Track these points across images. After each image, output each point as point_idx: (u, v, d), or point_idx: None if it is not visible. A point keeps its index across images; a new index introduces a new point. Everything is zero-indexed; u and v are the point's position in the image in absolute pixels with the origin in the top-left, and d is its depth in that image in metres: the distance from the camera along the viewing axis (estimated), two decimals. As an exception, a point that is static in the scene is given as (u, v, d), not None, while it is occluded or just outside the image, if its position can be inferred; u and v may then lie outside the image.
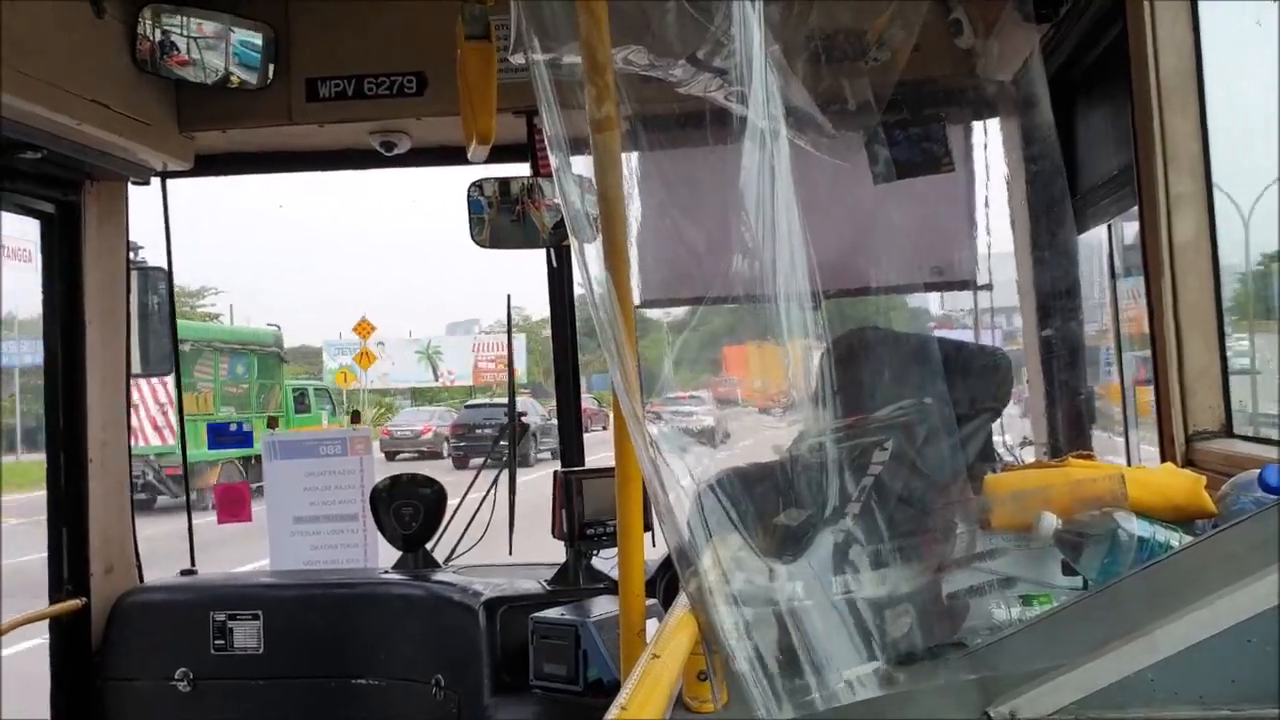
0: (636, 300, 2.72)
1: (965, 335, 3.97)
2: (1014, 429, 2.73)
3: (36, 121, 3.42)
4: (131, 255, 4.34)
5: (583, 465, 4.29)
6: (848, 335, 2.14)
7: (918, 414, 1.90)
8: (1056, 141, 2.61)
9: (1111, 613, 1.57)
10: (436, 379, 49.40)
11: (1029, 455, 2.77)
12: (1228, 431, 2.56)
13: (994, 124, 3.56)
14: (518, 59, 1.79)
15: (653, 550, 2.48)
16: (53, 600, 4.00)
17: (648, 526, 2.09)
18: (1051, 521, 1.88)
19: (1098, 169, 3.29)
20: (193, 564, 4.43)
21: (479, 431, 29.07)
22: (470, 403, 36.17)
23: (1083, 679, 1.49)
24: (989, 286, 3.61)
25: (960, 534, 1.90)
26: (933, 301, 3.88)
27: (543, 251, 4.19)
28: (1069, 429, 3.05)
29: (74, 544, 4.03)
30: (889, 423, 1.89)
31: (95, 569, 4.05)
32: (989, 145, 3.57)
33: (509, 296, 5.05)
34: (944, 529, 1.89)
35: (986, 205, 3.53)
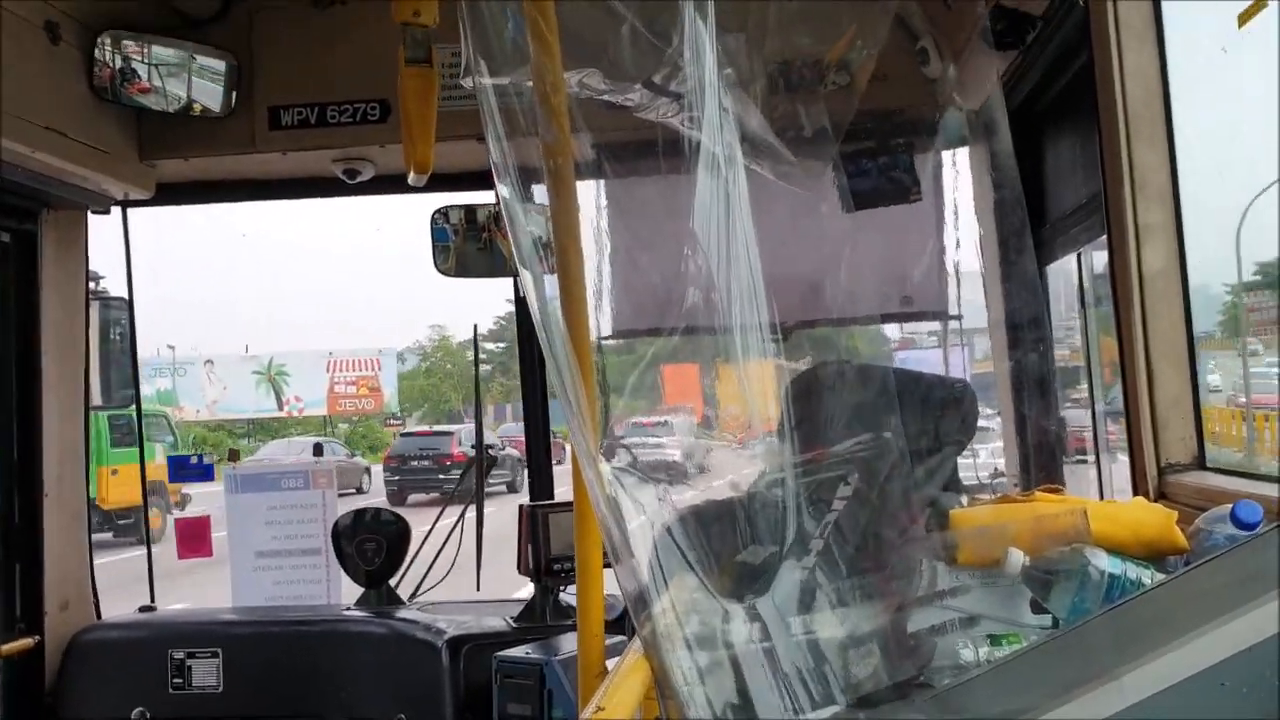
0: (605, 331, 2.68)
1: (928, 356, 3.92)
2: (987, 462, 2.70)
3: None
4: (92, 285, 4.27)
5: (550, 499, 4.23)
6: (808, 371, 2.09)
7: (878, 449, 1.85)
8: (1016, 171, 2.59)
9: (1079, 654, 1.52)
10: (280, 407, 40.19)
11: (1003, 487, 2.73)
12: (1200, 464, 2.53)
13: (963, 154, 3.54)
14: (468, 83, 1.74)
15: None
16: (4, 639, 3.89)
17: (609, 564, 2.03)
18: (1019, 558, 1.83)
19: (1066, 198, 3.27)
20: (152, 600, 4.34)
21: (415, 464, 27.07)
22: (405, 431, 33.75)
23: (1055, 724, 1.43)
24: (959, 317, 3.58)
25: (923, 570, 1.85)
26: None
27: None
28: (1039, 461, 3.01)
29: (27, 580, 3.93)
30: (848, 457, 1.84)
31: (50, 606, 3.96)
32: (959, 174, 3.55)
33: (475, 326, 4.99)
34: (907, 565, 1.84)
35: (956, 235, 3.51)
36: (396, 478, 26.85)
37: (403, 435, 31.74)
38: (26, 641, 3.89)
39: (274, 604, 4.36)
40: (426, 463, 26.75)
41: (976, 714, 1.57)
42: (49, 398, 3.97)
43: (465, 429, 28.18)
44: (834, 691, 1.70)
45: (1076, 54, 2.89)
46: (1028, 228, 2.53)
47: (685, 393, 2.04)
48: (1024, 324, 2.84)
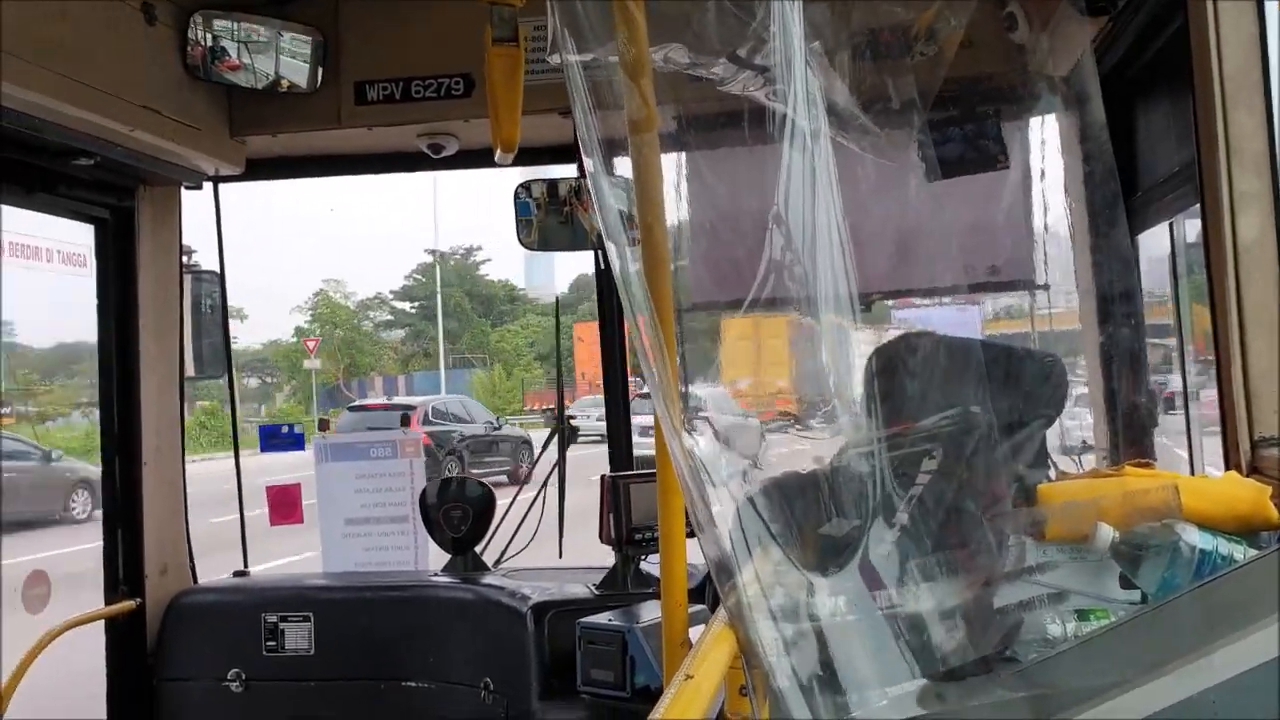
0: (687, 303, 2.68)
1: (929, 315, 3.83)
2: (1073, 435, 2.65)
3: (90, 129, 3.46)
4: (185, 259, 4.38)
5: (631, 470, 4.26)
6: (892, 342, 2.08)
7: (965, 423, 1.84)
8: (1108, 141, 2.53)
9: (1171, 630, 1.51)
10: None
11: (1090, 462, 2.69)
12: None
13: (1051, 120, 3.47)
14: (554, 60, 1.76)
15: (701, 555, 2.44)
16: (108, 601, 4.05)
17: (691, 533, 2.05)
18: (1108, 533, 1.81)
19: (1158, 166, 3.19)
20: (245, 565, 4.47)
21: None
22: (354, 405, 30.02)
23: (1141, 700, 1.42)
24: (1046, 286, 3.52)
25: (1011, 546, 1.84)
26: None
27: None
28: (1129, 436, 2.96)
29: (129, 545, 4.07)
30: (935, 432, 1.83)
31: (150, 570, 4.10)
32: (1046, 142, 3.48)
33: (558, 299, 5.02)
34: (994, 540, 1.83)
35: (1044, 204, 3.45)
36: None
37: (351, 409, 26.78)
38: (129, 604, 4.03)
39: (363, 570, 4.46)
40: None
41: (1063, 689, 1.57)
42: (146, 370, 4.09)
43: (433, 401, 25.96)
44: (919, 665, 1.70)
45: (1170, 18, 2.81)
46: (1120, 198, 2.48)
47: (767, 365, 2.04)
48: (1116, 295, 2.79)
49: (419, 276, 56.50)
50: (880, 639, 1.69)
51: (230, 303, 4.54)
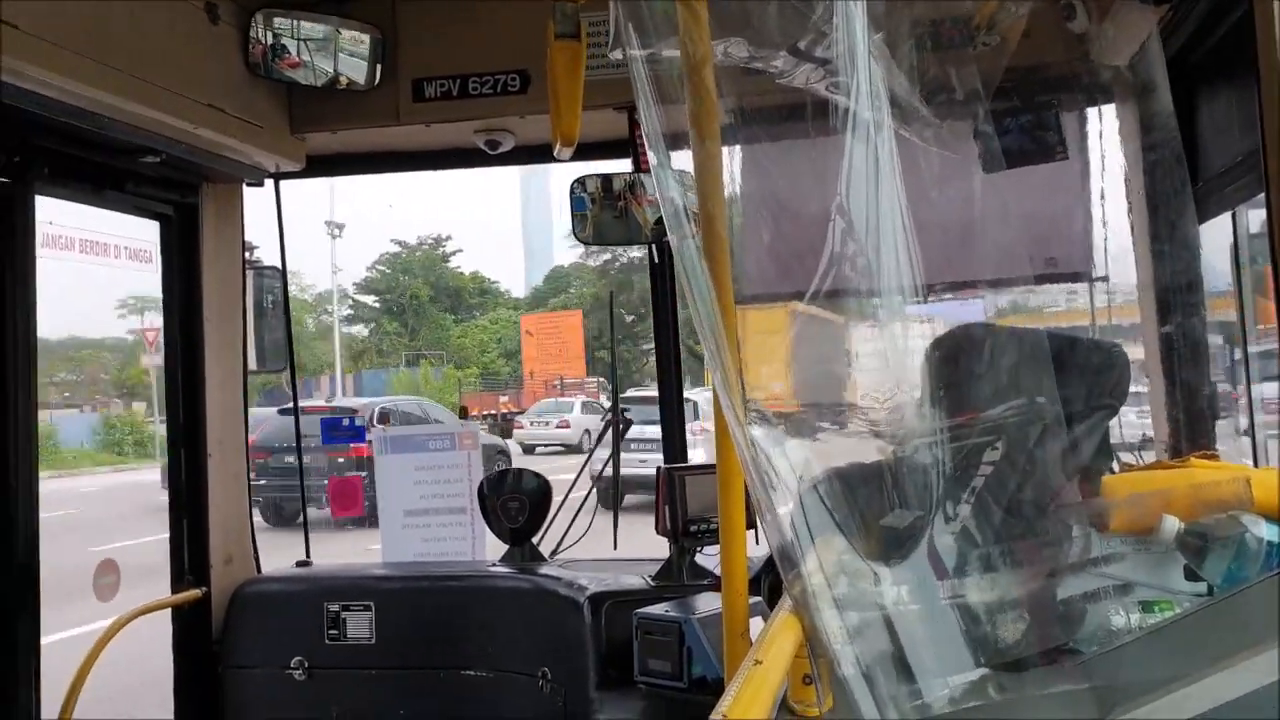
0: (748, 294, 2.69)
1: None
2: (1134, 427, 2.63)
3: (156, 127, 3.54)
4: (247, 255, 4.46)
5: (685, 462, 4.28)
6: (953, 332, 2.08)
7: (1030, 413, 1.84)
8: (1176, 129, 2.50)
9: (1238, 622, 1.50)
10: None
11: (1150, 454, 2.67)
12: None
13: (1110, 110, 3.43)
14: (616, 55, 1.78)
15: (756, 548, 2.45)
16: (174, 590, 4.14)
17: (751, 524, 2.06)
18: (1174, 524, 1.80)
19: (1220, 155, 3.15)
20: (308, 556, 4.55)
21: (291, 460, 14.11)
22: (285, 408, 17.70)
23: (1205, 693, 1.42)
24: (1105, 279, 3.48)
25: (1075, 537, 1.84)
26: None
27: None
28: (1192, 428, 2.93)
29: (194, 535, 4.16)
30: (999, 423, 1.83)
31: (215, 560, 4.18)
32: (1104, 132, 3.45)
33: (613, 293, 5.05)
34: (1058, 532, 1.82)
35: (1103, 195, 3.41)
36: (264, 480, 16.42)
37: (281, 412, 18.96)
38: (194, 593, 4.12)
39: (422, 560, 4.53)
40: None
41: (1126, 681, 1.57)
42: (211, 364, 4.17)
43: (382, 403, 22.10)
44: (981, 655, 1.71)
45: (1234, 5, 2.77)
46: (1188, 187, 2.45)
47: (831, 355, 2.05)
48: (1180, 286, 2.76)
49: (383, 268, 54.07)
50: (943, 628, 1.70)
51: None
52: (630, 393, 22.16)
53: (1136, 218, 3.16)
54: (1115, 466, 2.08)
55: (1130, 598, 1.83)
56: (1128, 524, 1.85)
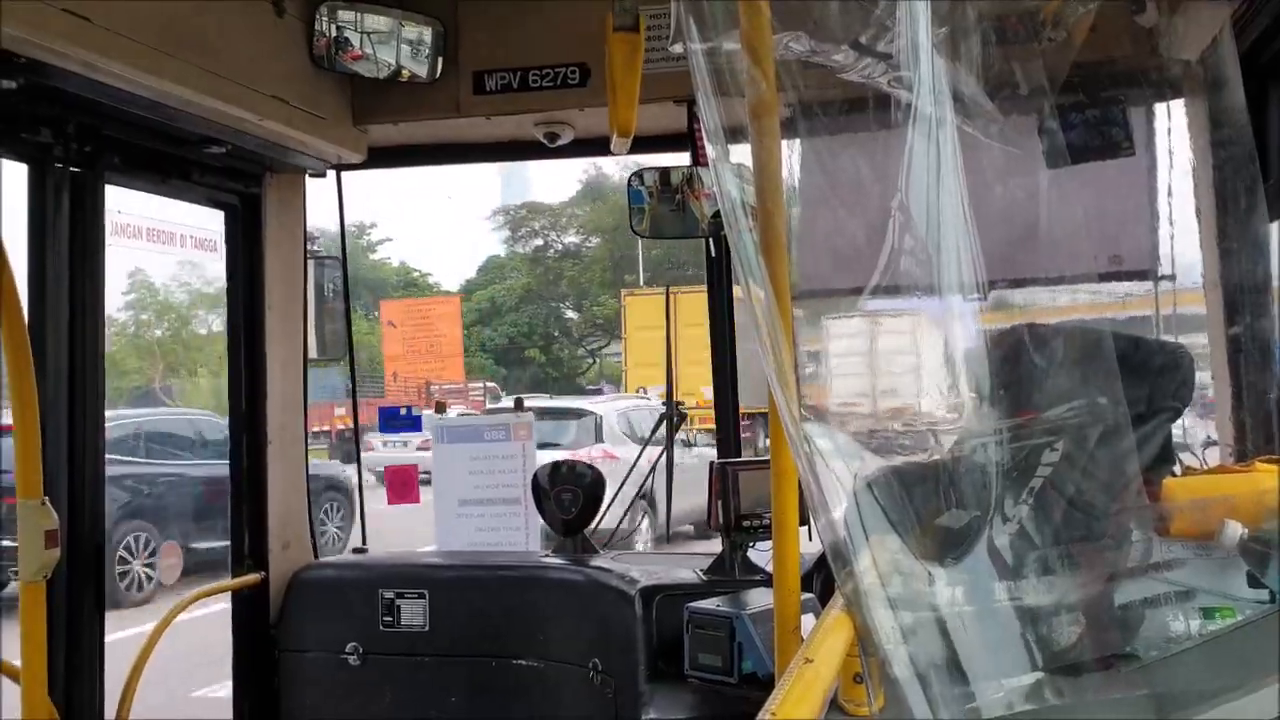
0: (805, 290, 2.68)
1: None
2: (1197, 430, 2.58)
3: (222, 118, 3.60)
4: (309, 245, 4.52)
5: (739, 456, 4.27)
6: (1014, 330, 2.05)
7: (1090, 414, 1.81)
8: (1248, 125, 2.44)
9: (1302, 631, 1.47)
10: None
11: (1213, 458, 2.61)
12: None
13: (1178, 106, 3.37)
14: (677, 49, 1.78)
15: (809, 544, 2.44)
16: (234, 574, 4.21)
17: (804, 521, 2.05)
18: (1236, 530, 1.77)
19: (1294, 153, 3.08)
20: (364, 543, 4.61)
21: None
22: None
23: (1265, 702, 1.39)
24: (1171, 277, 3.42)
25: (1135, 541, 1.81)
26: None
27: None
28: (1258, 432, 2.86)
29: (254, 521, 4.23)
30: (1059, 423, 1.80)
31: (273, 545, 4.25)
32: (1173, 128, 3.38)
33: (668, 287, 5.06)
34: (1117, 535, 1.80)
35: (1169, 192, 3.35)
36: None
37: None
38: (253, 578, 4.19)
39: (476, 549, 4.56)
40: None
41: (1184, 688, 1.54)
42: (272, 352, 4.23)
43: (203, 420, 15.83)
44: (1037, 658, 1.69)
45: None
46: (1260, 184, 2.40)
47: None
48: (1249, 286, 2.70)
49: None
50: (999, 631, 1.68)
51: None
52: (541, 402, 19.57)
53: (1204, 215, 3.10)
54: (1177, 469, 2.04)
55: (1191, 604, 1.80)
56: (1189, 528, 1.82)
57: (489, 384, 33.92)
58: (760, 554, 3.90)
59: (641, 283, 33.55)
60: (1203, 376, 3.17)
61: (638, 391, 22.83)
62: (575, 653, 3.91)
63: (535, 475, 4.39)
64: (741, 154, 1.85)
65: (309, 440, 4.49)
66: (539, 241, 45.76)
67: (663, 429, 4.81)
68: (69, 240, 3.36)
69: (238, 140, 3.76)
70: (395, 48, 4.06)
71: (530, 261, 45.59)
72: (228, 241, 4.24)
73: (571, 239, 45.52)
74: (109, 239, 3.56)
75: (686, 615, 3.43)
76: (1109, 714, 1.58)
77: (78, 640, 3.41)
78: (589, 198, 44.22)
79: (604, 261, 42.75)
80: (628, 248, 38.07)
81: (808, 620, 1.97)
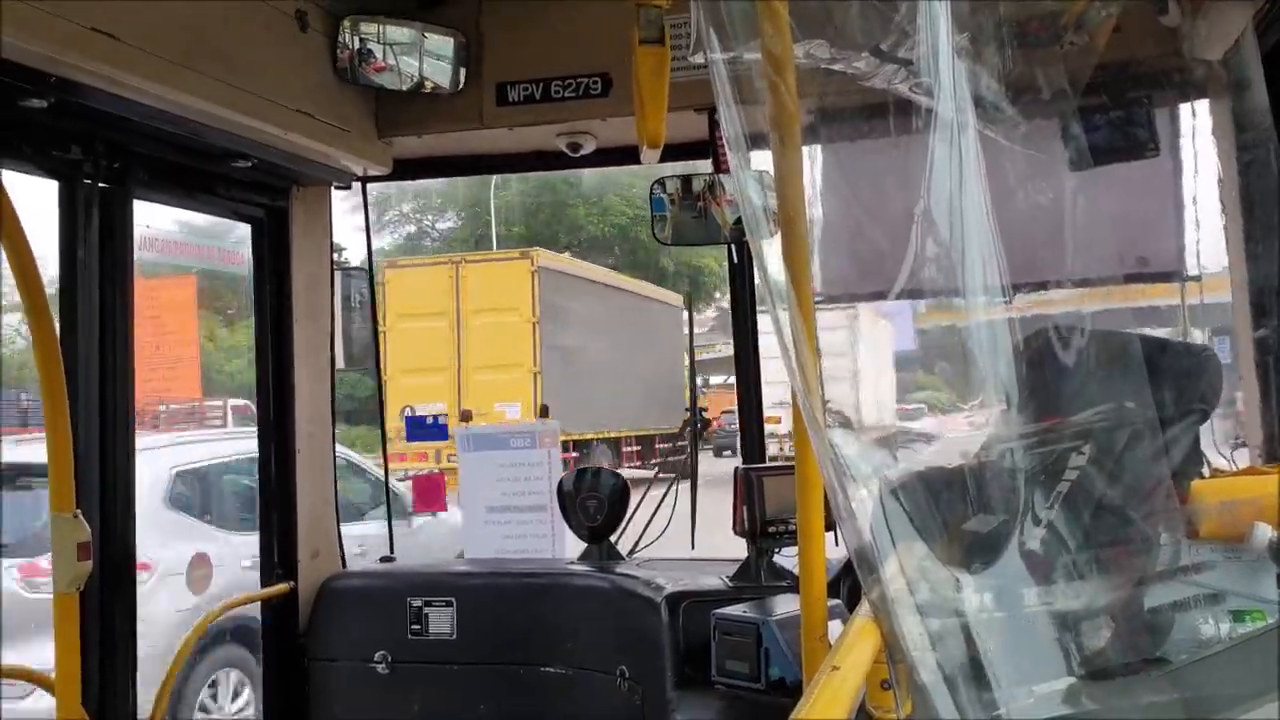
0: (827, 295, 2.68)
1: None
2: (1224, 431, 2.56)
3: (248, 132, 3.63)
4: (335, 256, 4.55)
5: (763, 462, 4.26)
6: (1040, 333, 2.04)
7: (1118, 418, 1.80)
8: (1272, 126, 2.43)
9: (1334, 634, 1.46)
10: None
11: (1242, 460, 2.60)
12: None
13: (1203, 106, 3.35)
14: (698, 59, 1.79)
15: (835, 550, 2.44)
16: (264, 584, 4.24)
17: (830, 526, 2.05)
18: (1266, 532, 1.76)
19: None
20: (391, 552, 4.63)
21: None
22: None
23: (1300, 704, 1.38)
24: (1198, 278, 3.40)
25: (1164, 545, 1.80)
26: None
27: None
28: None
29: (283, 530, 4.26)
30: (1087, 427, 1.80)
31: (302, 555, 4.27)
32: (1197, 129, 3.36)
33: (688, 294, 5.07)
34: (1146, 539, 1.79)
35: (1194, 193, 3.33)
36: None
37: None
38: (283, 587, 4.21)
39: (503, 556, 4.58)
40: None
41: (1215, 692, 1.53)
42: (300, 362, 4.26)
43: None
44: (1066, 664, 1.68)
45: (1336, -2, 2.69)
46: None
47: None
48: (1276, 288, 2.68)
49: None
50: (1028, 635, 1.68)
51: None
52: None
53: (1230, 216, 3.08)
54: (1205, 471, 2.03)
55: (1220, 607, 1.79)
56: (1218, 531, 1.81)
57: (233, 402, 22.58)
58: (786, 559, 3.89)
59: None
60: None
61: (402, 412, 15.13)
62: (602, 660, 3.91)
63: (560, 482, 4.40)
64: (763, 161, 1.85)
65: (335, 447, 4.52)
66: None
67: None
68: (99, 256, 3.40)
69: (264, 154, 3.79)
70: (418, 59, 4.09)
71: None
72: (254, 254, 4.27)
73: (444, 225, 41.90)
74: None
75: (713, 621, 3.42)
76: (1138, 718, 1.58)
77: (111, 650, 3.44)
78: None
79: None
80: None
81: (835, 626, 1.96)
